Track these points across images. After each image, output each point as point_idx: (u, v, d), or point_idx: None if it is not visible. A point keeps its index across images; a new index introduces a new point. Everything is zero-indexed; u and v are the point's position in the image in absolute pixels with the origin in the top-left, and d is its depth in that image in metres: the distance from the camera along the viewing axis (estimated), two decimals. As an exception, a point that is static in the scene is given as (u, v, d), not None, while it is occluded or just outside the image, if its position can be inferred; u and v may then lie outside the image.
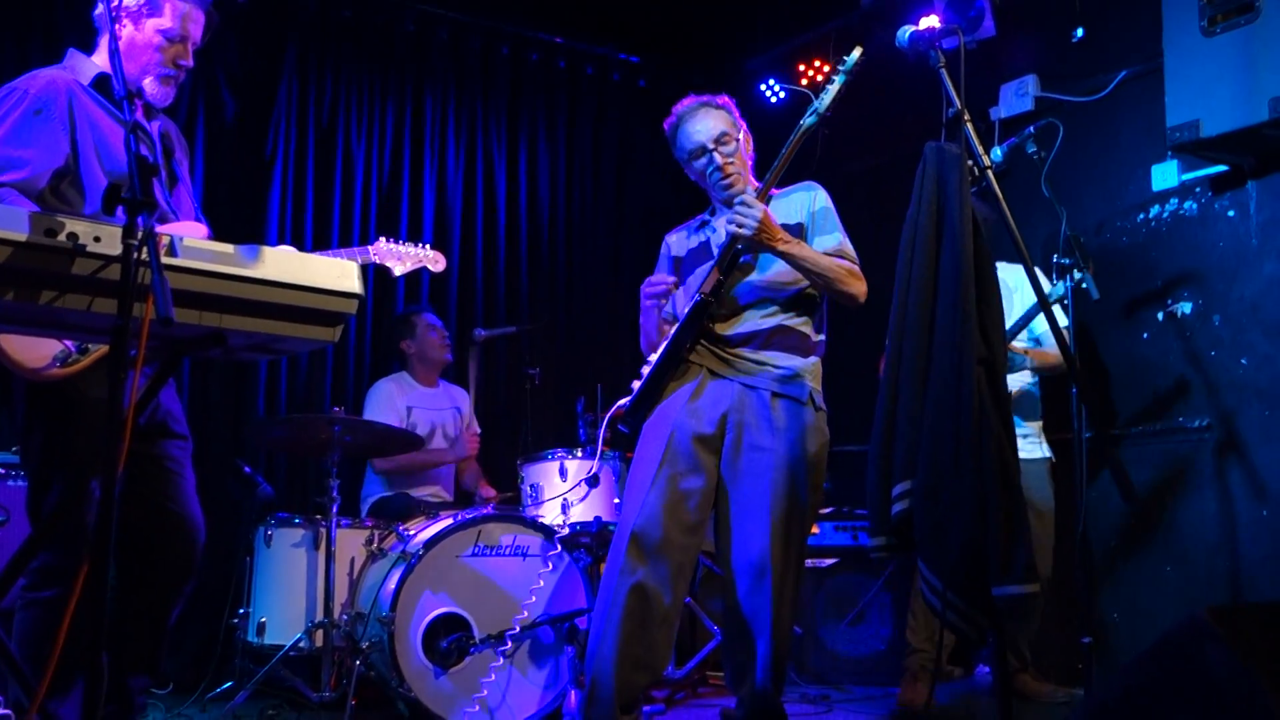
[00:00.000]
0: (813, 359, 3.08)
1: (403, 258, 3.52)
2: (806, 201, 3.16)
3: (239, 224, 5.05)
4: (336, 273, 2.05)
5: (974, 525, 2.16)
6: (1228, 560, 3.97)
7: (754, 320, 3.06)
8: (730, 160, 3.14)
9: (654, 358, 3.06)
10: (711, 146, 3.14)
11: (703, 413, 3.00)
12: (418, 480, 4.83)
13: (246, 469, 4.53)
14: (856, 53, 2.98)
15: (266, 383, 5.22)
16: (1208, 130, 3.75)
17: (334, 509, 3.91)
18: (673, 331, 3.03)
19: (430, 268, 3.65)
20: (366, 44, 5.67)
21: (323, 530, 3.95)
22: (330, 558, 3.89)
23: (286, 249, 2.13)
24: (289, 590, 3.98)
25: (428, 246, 3.65)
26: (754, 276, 3.08)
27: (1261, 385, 3.94)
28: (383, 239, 3.54)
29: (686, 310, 3.01)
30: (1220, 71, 3.70)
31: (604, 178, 6.45)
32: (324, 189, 5.49)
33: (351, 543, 4.08)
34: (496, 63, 6.08)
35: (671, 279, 3.17)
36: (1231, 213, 4.09)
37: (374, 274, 5.46)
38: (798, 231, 3.08)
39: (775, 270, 3.05)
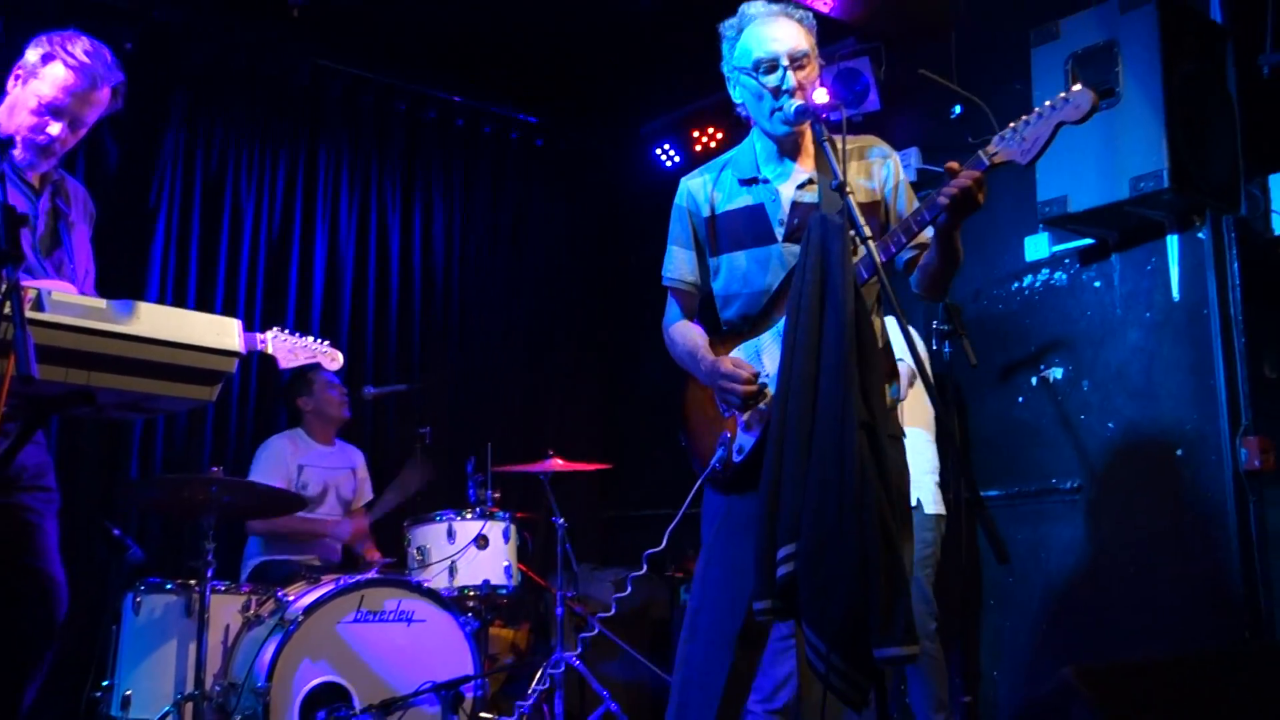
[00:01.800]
0: None
1: (295, 350, 3.42)
2: (886, 171, 2.71)
3: (117, 276, 4.90)
4: (215, 330, 2.01)
5: (856, 587, 2.19)
6: (1100, 618, 4.11)
7: None
8: (804, 88, 2.62)
9: None
10: (787, 63, 2.62)
11: None
12: (302, 544, 4.69)
13: (116, 531, 4.33)
14: None
15: (141, 441, 5.03)
16: (1075, 205, 3.96)
17: (209, 573, 3.77)
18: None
19: (325, 365, 3.56)
20: (259, 94, 5.60)
21: (196, 596, 3.80)
22: (203, 625, 3.73)
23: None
24: (158, 661, 3.80)
25: (325, 342, 3.56)
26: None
27: (1127, 448, 4.12)
28: (276, 329, 3.44)
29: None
30: (1086, 151, 3.91)
31: (500, 235, 6.46)
32: (210, 240, 5.37)
33: (227, 609, 3.92)
34: (392, 118, 6.06)
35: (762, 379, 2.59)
36: (1098, 283, 4.29)
37: (260, 329, 5.38)
38: (874, 209, 2.67)
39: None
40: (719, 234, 2.78)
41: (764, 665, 3.25)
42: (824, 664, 2.24)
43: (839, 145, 2.46)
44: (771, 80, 2.62)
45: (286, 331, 3.45)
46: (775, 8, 2.71)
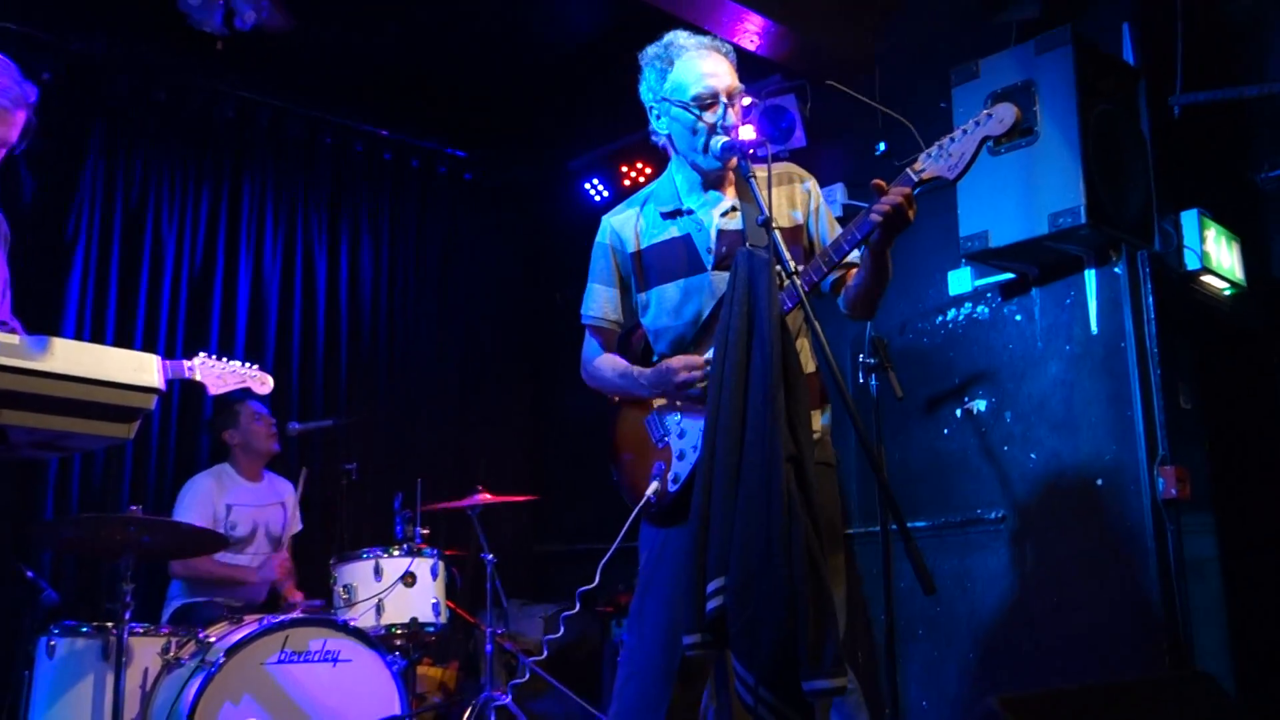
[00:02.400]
0: None
1: (223, 376, 3.37)
2: (804, 198, 2.77)
3: (33, 310, 4.75)
4: (133, 366, 1.96)
5: (785, 620, 2.20)
6: (1026, 646, 4.17)
7: None
8: (734, 124, 2.65)
9: None
10: (726, 100, 2.66)
11: None
12: (225, 584, 4.57)
13: (29, 573, 4.18)
14: None
15: (57, 479, 4.88)
16: (996, 241, 4.05)
17: (127, 615, 3.64)
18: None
19: (255, 389, 3.50)
20: (181, 126, 5.51)
21: (113, 638, 3.67)
22: (121, 668, 3.61)
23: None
24: (73, 706, 3.66)
25: (254, 366, 3.51)
26: None
27: (1049, 478, 4.20)
28: (203, 354, 3.39)
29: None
30: (1005, 188, 4.00)
31: (428, 269, 6.42)
32: (130, 274, 5.25)
33: (146, 652, 3.80)
34: (319, 152, 6.01)
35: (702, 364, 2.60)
36: (1019, 317, 4.39)
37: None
38: (796, 235, 2.72)
39: None
40: (646, 269, 2.79)
41: None
42: (753, 698, 2.24)
43: (764, 180, 2.50)
44: (711, 116, 2.65)
45: (214, 357, 3.39)
46: (704, 40, 2.74)
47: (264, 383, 3.52)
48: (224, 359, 3.44)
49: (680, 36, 2.75)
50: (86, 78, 5.19)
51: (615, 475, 2.85)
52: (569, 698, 4.64)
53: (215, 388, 3.36)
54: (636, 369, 2.78)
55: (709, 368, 2.55)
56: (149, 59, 5.36)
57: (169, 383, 3.19)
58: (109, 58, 5.22)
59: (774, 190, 2.70)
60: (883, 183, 2.47)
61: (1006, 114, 2.40)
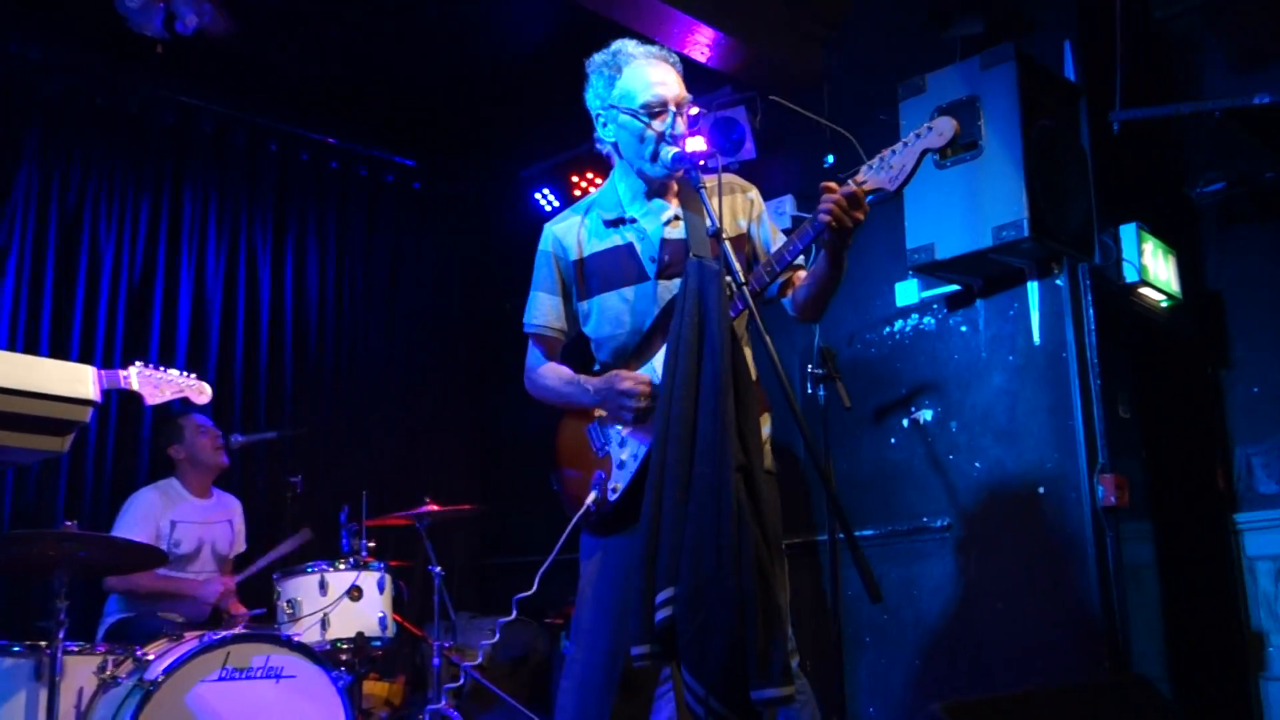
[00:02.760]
0: None
1: (160, 385, 3.30)
2: (747, 206, 2.80)
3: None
4: (68, 377, 1.91)
5: (734, 630, 2.20)
6: (970, 653, 4.21)
7: None
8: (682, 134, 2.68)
9: None
10: (675, 109, 2.69)
11: None
12: (166, 602, 4.47)
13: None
14: None
15: (-12, 494, 4.76)
16: (941, 253, 4.10)
17: (61, 633, 3.54)
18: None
19: (194, 399, 3.43)
20: (121, 131, 5.41)
21: (46, 657, 3.57)
22: (54, 688, 3.50)
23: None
24: (3, 728, 3.57)
25: (191, 375, 3.44)
26: None
27: (993, 486, 4.25)
28: (139, 363, 3.31)
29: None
30: (951, 201, 4.06)
31: (375, 279, 6.35)
32: (65, 282, 5.13)
33: (81, 671, 3.68)
34: (264, 159, 5.92)
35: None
36: (964, 328, 4.44)
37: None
38: (740, 243, 2.73)
39: None
40: (588, 277, 2.79)
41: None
42: (703, 708, 2.23)
43: (714, 191, 2.52)
44: (660, 125, 2.67)
45: (151, 365, 3.32)
46: (652, 49, 2.75)
47: (202, 392, 3.46)
48: (161, 368, 3.37)
49: (629, 45, 2.76)
50: (22, 80, 5.07)
51: (556, 484, 2.84)
52: (516, 709, 4.60)
53: (152, 397, 3.29)
54: (584, 377, 2.77)
55: (657, 399, 2.54)
56: (87, 62, 5.25)
57: (105, 394, 3.12)
58: (45, 60, 5.11)
59: (727, 196, 2.73)
60: (833, 184, 2.51)
61: (946, 127, 2.44)
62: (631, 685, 2.61)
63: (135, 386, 3.23)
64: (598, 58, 2.77)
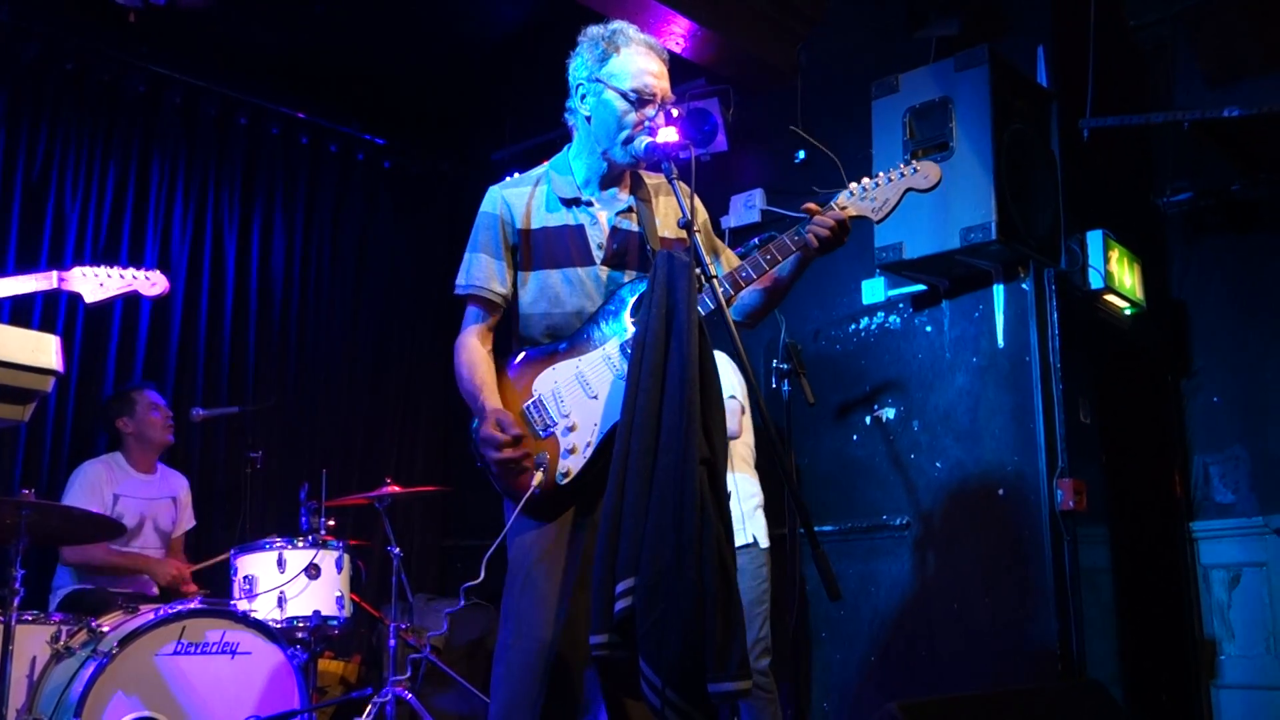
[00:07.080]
0: None
1: (105, 284, 3.13)
2: (688, 207, 2.67)
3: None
4: (30, 346, 1.89)
5: (693, 622, 2.21)
6: (926, 652, 4.26)
7: None
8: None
9: None
10: (659, 102, 2.68)
11: None
12: (121, 575, 4.43)
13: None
14: None
15: (-58, 461, 4.69)
16: (909, 253, 4.13)
17: (15, 601, 3.51)
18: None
19: (144, 292, 3.28)
20: (89, 100, 5.32)
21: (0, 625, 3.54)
22: (6, 656, 3.47)
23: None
24: (-49, 696, 3.52)
25: (141, 269, 3.29)
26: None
27: (953, 486, 4.30)
28: (78, 266, 3.17)
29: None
30: (920, 202, 4.04)
31: (342, 257, 6.30)
32: (29, 249, 5.05)
33: (34, 640, 3.65)
34: (233, 132, 5.85)
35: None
36: (929, 328, 4.48)
37: (81, 345, 5.09)
38: (683, 244, 2.65)
39: None
40: (533, 248, 2.73)
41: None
42: (660, 699, 2.24)
43: (685, 184, 2.54)
44: (646, 113, 2.65)
45: (95, 265, 3.17)
46: (653, 41, 2.73)
47: (154, 283, 3.30)
48: (105, 264, 3.21)
49: (629, 29, 2.73)
50: (-12, 43, 4.98)
51: (481, 463, 2.67)
52: (471, 693, 4.61)
53: (93, 294, 3.13)
54: (485, 393, 2.66)
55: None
56: (59, 28, 5.16)
57: (51, 294, 2.87)
58: (16, 24, 5.01)
59: (678, 197, 2.69)
60: (815, 206, 2.58)
61: (933, 173, 2.59)
62: (564, 672, 2.54)
63: (73, 287, 3.08)
64: (595, 30, 2.73)
